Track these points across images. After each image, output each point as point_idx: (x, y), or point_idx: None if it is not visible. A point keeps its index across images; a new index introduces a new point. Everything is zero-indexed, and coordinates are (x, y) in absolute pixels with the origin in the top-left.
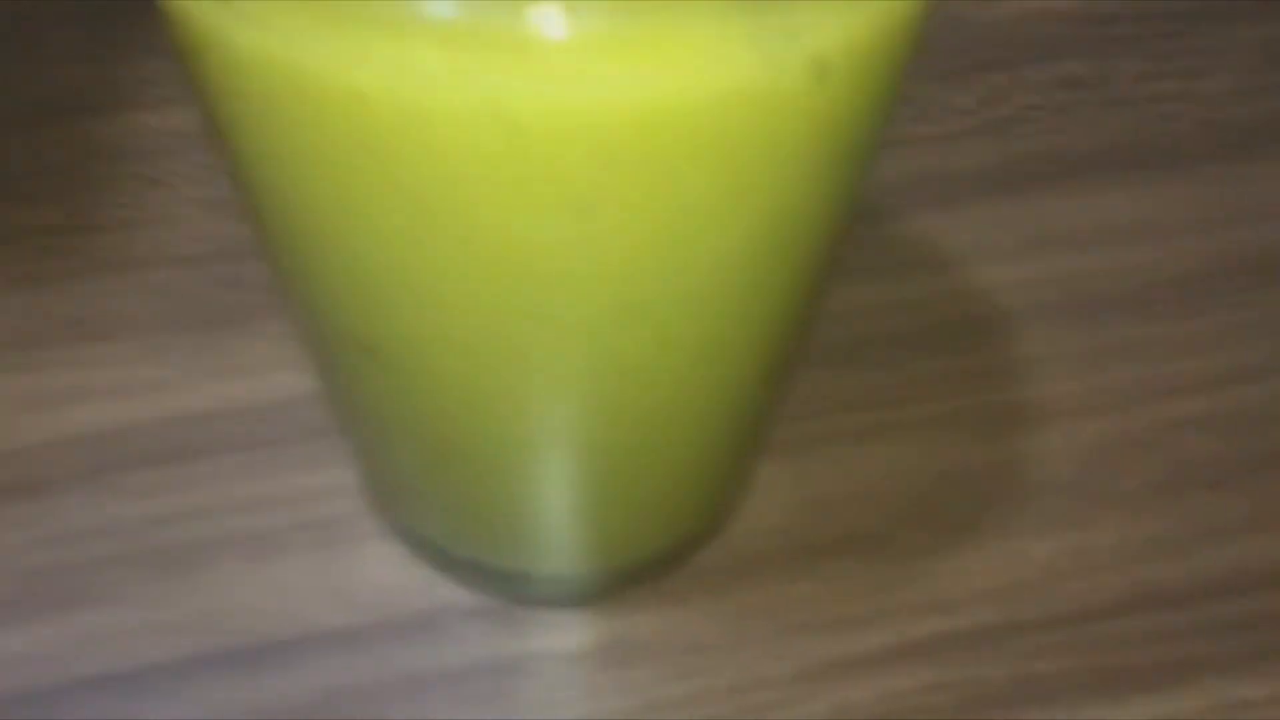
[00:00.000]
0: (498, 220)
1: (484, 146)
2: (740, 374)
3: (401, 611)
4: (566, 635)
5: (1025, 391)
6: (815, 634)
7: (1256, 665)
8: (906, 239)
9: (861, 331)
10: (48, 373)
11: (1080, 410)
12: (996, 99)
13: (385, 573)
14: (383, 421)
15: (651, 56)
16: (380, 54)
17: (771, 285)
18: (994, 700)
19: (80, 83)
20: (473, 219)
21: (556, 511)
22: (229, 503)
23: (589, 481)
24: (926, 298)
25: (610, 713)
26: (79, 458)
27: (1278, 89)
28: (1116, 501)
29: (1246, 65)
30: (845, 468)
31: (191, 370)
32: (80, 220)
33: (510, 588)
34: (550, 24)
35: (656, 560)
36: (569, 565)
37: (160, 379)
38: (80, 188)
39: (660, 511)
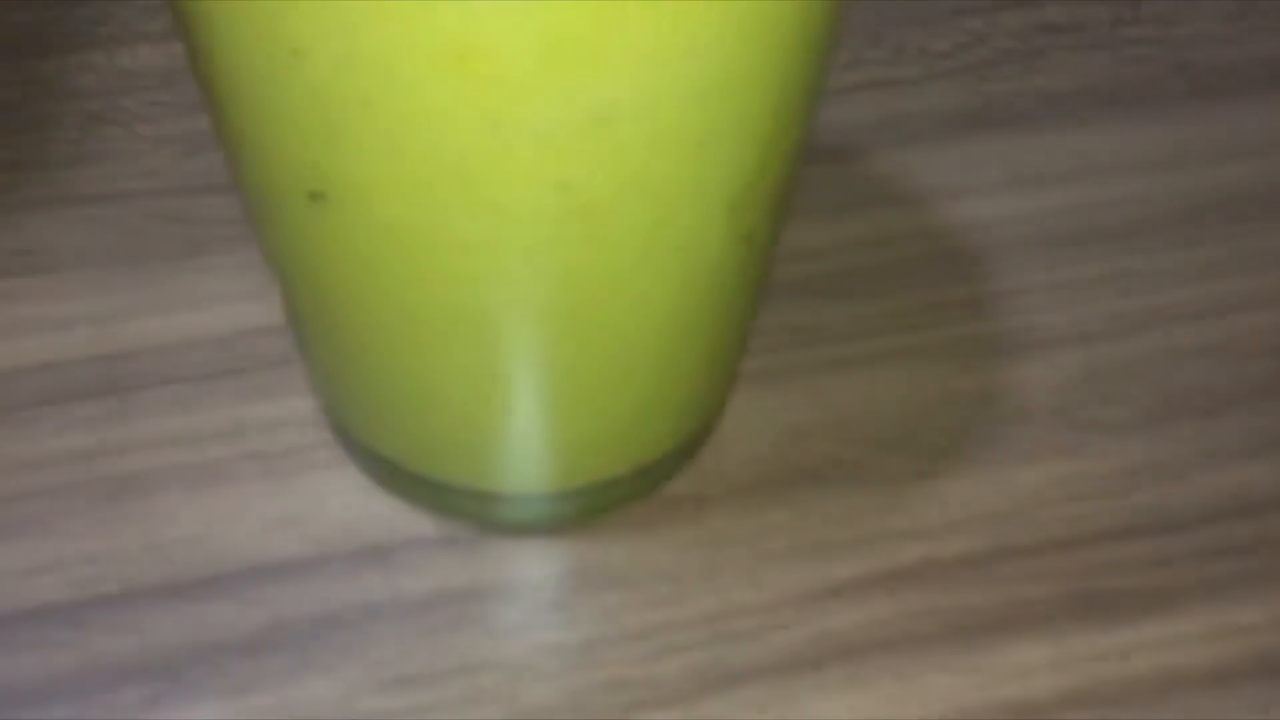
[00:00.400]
0: None
1: None
2: (709, 232)
3: (360, 541)
4: (535, 563)
5: (1008, 322)
6: (793, 562)
7: (1247, 590)
8: (883, 176)
9: (839, 265)
10: None
11: (1064, 340)
12: (973, 43)
13: (343, 503)
14: (335, 300)
15: None
16: None
17: (742, 107)
18: (980, 627)
19: (29, 23)
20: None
21: (517, 406)
22: (175, 434)
23: (550, 367)
24: (904, 233)
25: (583, 640)
26: (22, 389)
27: (1250, 34)
28: (1104, 429)
29: (1220, 12)
30: (822, 397)
31: (138, 302)
32: (28, 155)
33: (475, 510)
34: None
35: (628, 481)
36: (535, 481)
37: (106, 311)
38: (28, 125)
39: (629, 416)
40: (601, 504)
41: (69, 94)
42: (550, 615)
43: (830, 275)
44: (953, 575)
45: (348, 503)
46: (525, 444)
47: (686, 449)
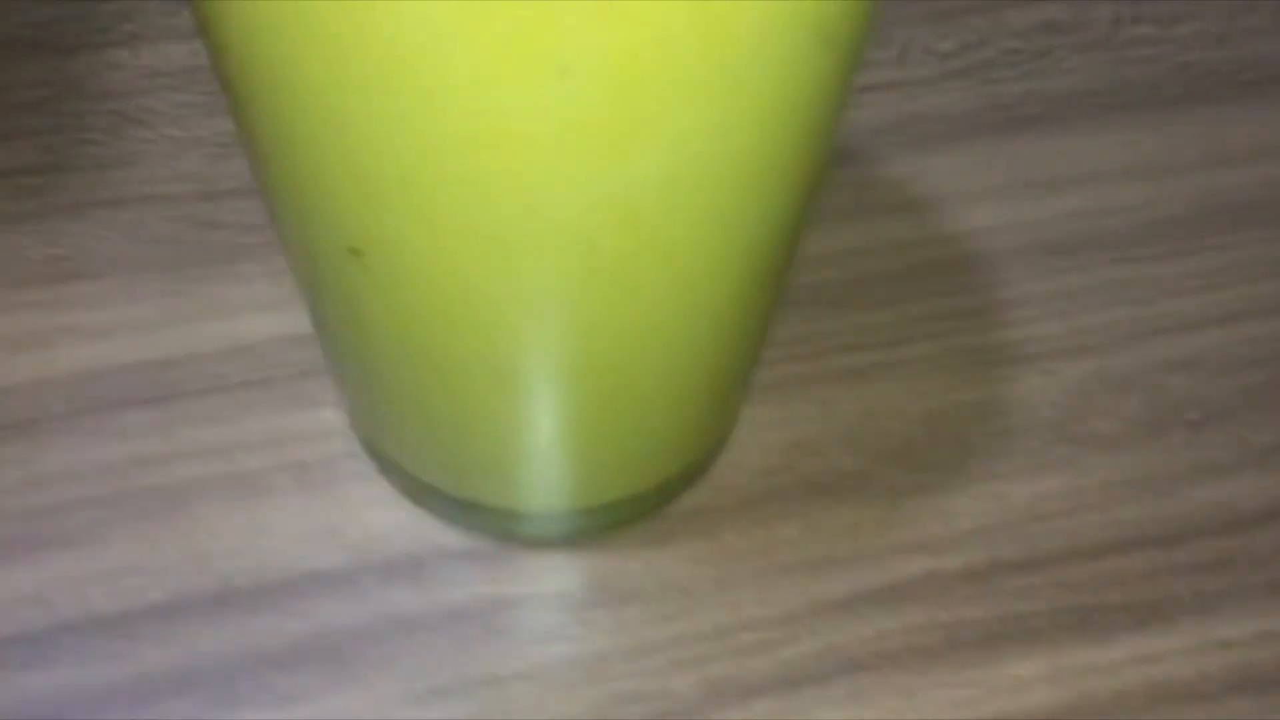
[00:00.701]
0: (476, 85)
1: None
2: (728, 286)
3: (391, 553)
4: (556, 576)
5: (1007, 333)
6: (800, 575)
7: (1236, 604)
8: (889, 181)
9: (844, 274)
10: (27, 313)
11: (1062, 351)
12: (978, 42)
13: (374, 514)
14: (370, 340)
15: None
16: None
17: (759, 178)
18: (977, 641)
19: (55, 19)
20: (451, 82)
21: (543, 440)
22: (212, 444)
23: (575, 406)
24: (907, 240)
25: (600, 653)
26: (62, 399)
27: (1252, 33)
28: (1098, 442)
29: (1221, 10)
30: (828, 410)
31: (171, 310)
32: (56, 158)
33: (499, 526)
34: None
35: (644, 498)
36: (557, 501)
37: (140, 319)
38: (55, 126)
39: (647, 445)
40: (619, 519)
41: (98, 94)
42: (572, 628)
43: (836, 284)
44: (952, 589)
45: (378, 514)
46: (548, 470)
47: (699, 465)
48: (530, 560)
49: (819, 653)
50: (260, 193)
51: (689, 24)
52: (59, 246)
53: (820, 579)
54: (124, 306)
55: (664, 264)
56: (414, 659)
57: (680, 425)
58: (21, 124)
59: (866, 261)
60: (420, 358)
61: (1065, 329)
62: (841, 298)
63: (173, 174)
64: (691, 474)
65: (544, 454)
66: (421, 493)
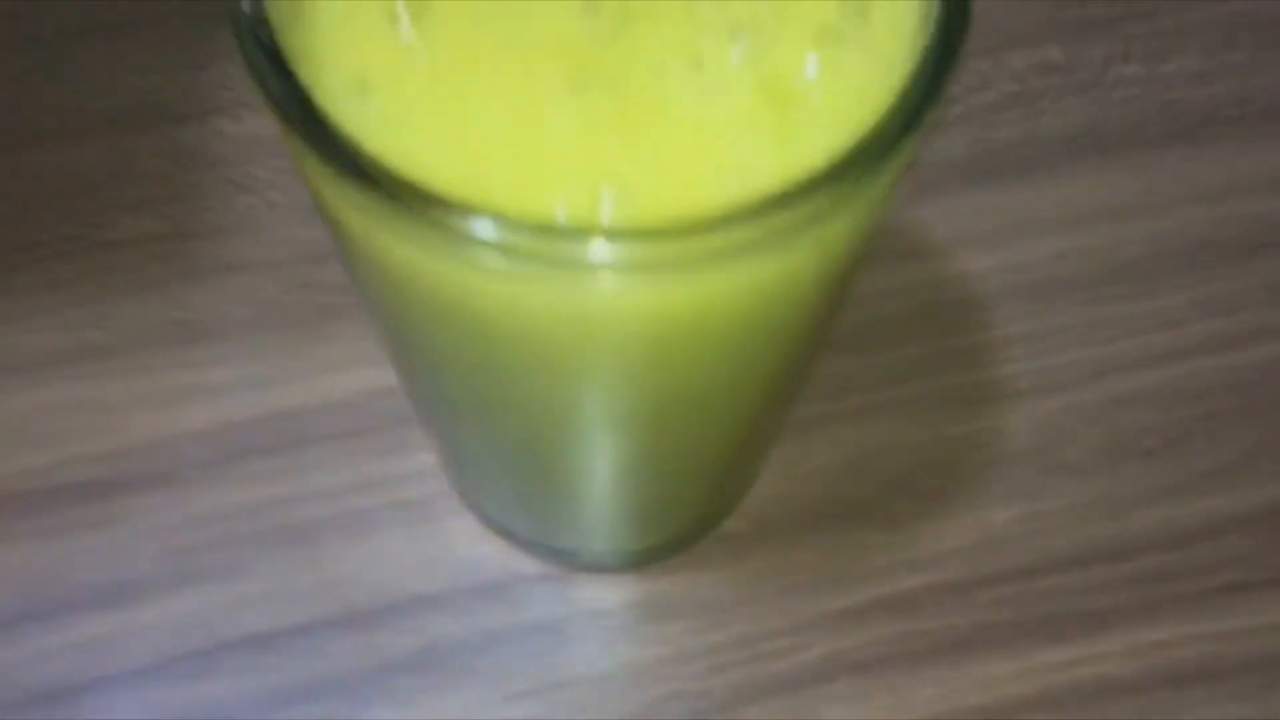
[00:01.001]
0: (572, 382)
1: (561, 338)
2: (756, 419)
3: (481, 578)
4: (612, 597)
5: (992, 372)
6: (813, 592)
7: (1170, 611)
8: (892, 230)
9: (851, 320)
10: (163, 374)
11: (1038, 388)
12: (980, 86)
13: (466, 546)
14: (462, 441)
15: (686, 274)
16: (485, 268)
17: (789, 378)
18: (958, 646)
19: (158, 89)
20: (553, 380)
21: (606, 509)
22: (329, 487)
23: (631, 490)
24: (908, 286)
25: (649, 660)
26: (201, 451)
27: (1232, 69)
28: (1064, 471)
29: (1205, 46)
30: (838, 445)
31: (285, 368)
32: (178, 228)
33: (568, 558)
34: (604, 254)
35: (687, 534)
36: (613, 543)
37: (260, 376)
38: (175, 195)
39: (690, 503)
40: (666, 551)
41: (209, 162)
42: (627, 640)
43: (845, 330)
44: (938, 601)
45: (469, 546)
46: (610, 527)
47: (731, 507)
48: (593, 584)
49: (826, 657)
50: (379, 342)
51: (739, 335)
52: (186, 310)
53: (829, 594)
54: (245, 365)
55: (713, 418)
56: (502, 667)
57: (718, 487)
58: (147, 194)
59: (871, 307)
60: (508, 460)
61: (1041, 367)
62: (849, 342)
63: (278, 238)
64: (724, 514)
65: (608, 519)
66: (502, 533)
